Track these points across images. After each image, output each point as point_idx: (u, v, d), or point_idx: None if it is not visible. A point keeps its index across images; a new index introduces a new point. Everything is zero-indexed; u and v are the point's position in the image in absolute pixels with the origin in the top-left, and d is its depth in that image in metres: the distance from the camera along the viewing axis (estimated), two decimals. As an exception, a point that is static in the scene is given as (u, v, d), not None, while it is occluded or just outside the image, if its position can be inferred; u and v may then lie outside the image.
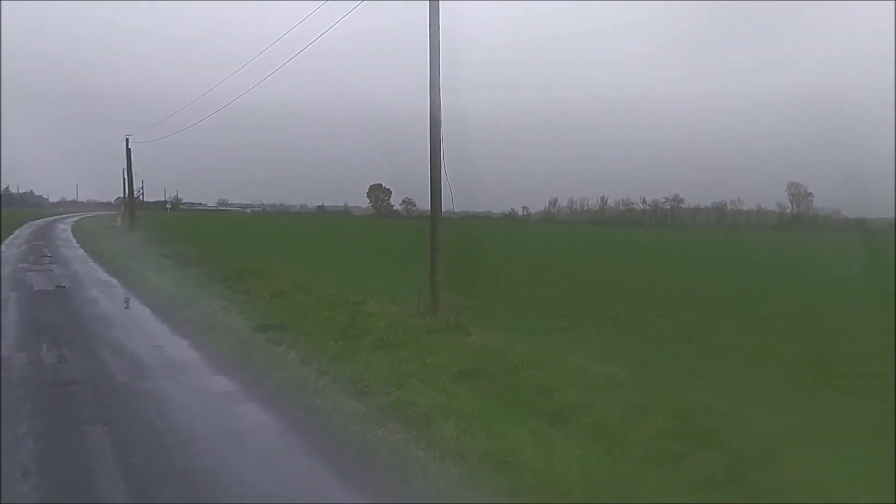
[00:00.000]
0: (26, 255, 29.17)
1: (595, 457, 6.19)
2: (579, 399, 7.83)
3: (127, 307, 15.75)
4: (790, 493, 5.35)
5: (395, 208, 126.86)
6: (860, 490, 5.45)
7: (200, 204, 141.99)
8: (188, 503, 5.37)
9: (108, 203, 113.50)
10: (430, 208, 13.63)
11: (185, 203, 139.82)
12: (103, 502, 5.29)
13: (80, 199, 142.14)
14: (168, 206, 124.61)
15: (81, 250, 32.58)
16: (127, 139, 52.51)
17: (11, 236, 42.34)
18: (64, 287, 18.36)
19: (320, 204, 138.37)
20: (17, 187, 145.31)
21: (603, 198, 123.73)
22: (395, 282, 18.57)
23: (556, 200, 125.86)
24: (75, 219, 78.92)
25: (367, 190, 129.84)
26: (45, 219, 78.80)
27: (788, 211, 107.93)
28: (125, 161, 53.53)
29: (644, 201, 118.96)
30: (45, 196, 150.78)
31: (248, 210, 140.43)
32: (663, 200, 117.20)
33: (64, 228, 55.89)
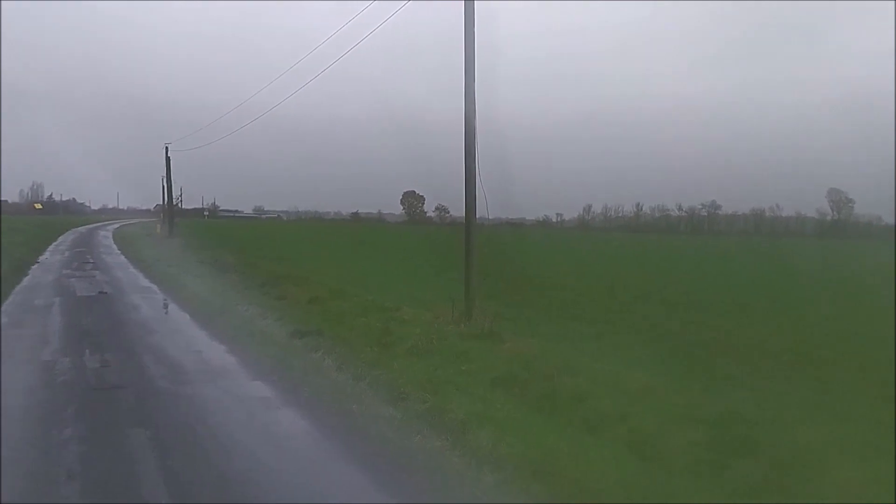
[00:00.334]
0: (70, 261, 29.89)
1: (632, 466, 6.14)
2: (615, 407, 7.77)
3: (166, 312, 16.05)
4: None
5: (428, 215, 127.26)
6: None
7: (237, 211, 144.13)
8: (228, 507, 5.44)
9: (148, 210, 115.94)
10: (463, 215, 13.66)
11: (222, 210, 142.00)
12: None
13: (120, 207, 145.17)
14: (206, 213, 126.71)
15: (122, 257, 33.25)
16: (167, 148, 53.67)
17: (55, 243, 43.43)
18: (106, 293, 18.76)
19: (354, 211, 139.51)
20: (61, 195, 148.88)
21: (638, 204, 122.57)
22: (429, 288, 18.62)
23: (590, 207, 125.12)
24: (116, 226, 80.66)
25: (401, 197, 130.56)
26: (87, 226, 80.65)
27: (829, 218, 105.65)
28: (165, 169, 54.71)
29: (680, 208, 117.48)
30: (87, 203, 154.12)
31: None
32: (700, 207, 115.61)
33: (105, 235, 57.13)
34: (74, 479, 5.86)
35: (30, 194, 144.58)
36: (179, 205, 64.64)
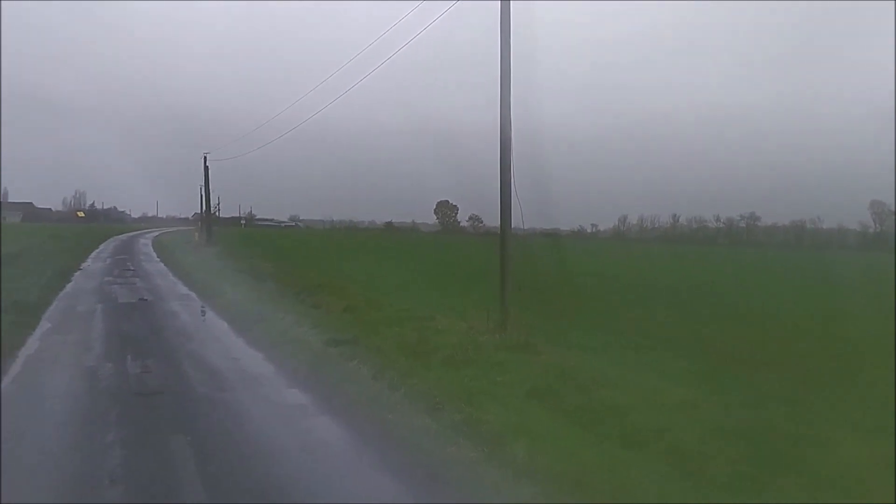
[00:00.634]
0: (111, 268, 30.54)
1: (672, 482, 6.05)
2: (653, 421, 7.67)
3: (204, 317, 16.29)
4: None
5: (461, 224, 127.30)
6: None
7: (273, 220, 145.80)
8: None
9: (186, 219, 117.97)
10: (497, 225, 13.65)
11: (258, 219, 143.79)
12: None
13: (160, 215, 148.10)
14: (242, 221, 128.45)
15: (162, 264, 33.85)
16: (205, 158, 54.53)
17: (97, 250, 44.43)
18: (146, 300, 19.12)
19: (388, 220, 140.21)
20: (102, 203, 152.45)
21: (674, 215, 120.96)
22: (463, 298, 18.60)
23: (625, 218, 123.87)
24: (156, 234, 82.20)
25: (435, 206, 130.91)
26: (128, 234, 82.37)
27: (871, 230, 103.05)
28: (203, 178, 55.60)
29: (718, 219, 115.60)
30: (127, 212, 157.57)
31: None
32: (738, 218, 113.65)
33: (145, 243, 58.22)
34: (117, 484, 5.97)
35: (73, 202, 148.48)
36: (217, 213, 65.54)
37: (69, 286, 22.27)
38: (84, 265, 31.72)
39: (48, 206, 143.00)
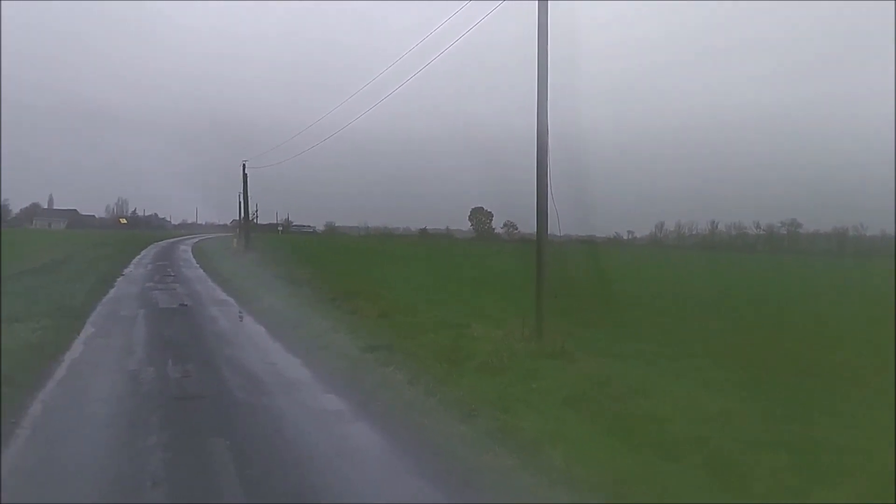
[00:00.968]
0: (152, 274, 31.15)
1: (712, 493, 5.97)
2: (692, 431, 7.59)
3: (241, 322, 16.53)
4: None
5: (496, 231, 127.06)
6: None
7: (309, 226, 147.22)
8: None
9: (225, 225, 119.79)
10: (532, 231, 13.61)
11: (294, 226, 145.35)
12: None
13: (199, 222, 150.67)
14: (279, 228, 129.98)
15: (201, 270, 34.42)
16: (244, 165, 55.32)
17: (138, 256, 45.37)
18: (186, 305, 19.46)
19: (423, 227, 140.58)
20: (143, 210, 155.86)
21: (713, 222, 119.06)
22: (498, 305, 18.58)
23: (662, 224, 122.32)
24: (195, 240, 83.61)
25: (469, 213, 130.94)
26: (168, 240, 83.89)
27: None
28: (241, 186, 56.44)
29: (758, 225, 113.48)
30: (167, 219, 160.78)
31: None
32: (779, 225, 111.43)
33: (185, 249, 59.24)
34: (159, 486, 6.09)
35: (115, 209, 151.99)
36: (255, 220, 66.58)
37: (112, 291, 22.78)
38: (126, 271, 32.42)
39: (92, 214, 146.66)
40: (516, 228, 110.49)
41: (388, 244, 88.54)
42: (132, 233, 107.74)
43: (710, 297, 24.87)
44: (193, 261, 42.81)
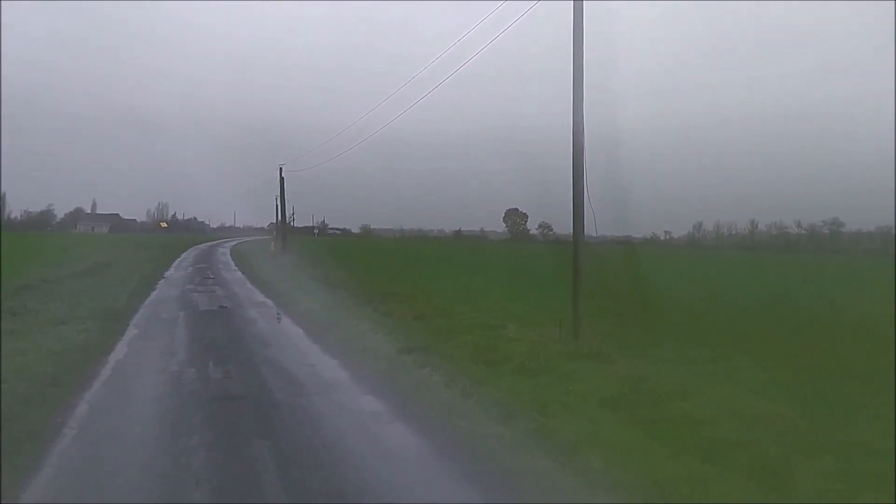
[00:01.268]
0: (192, 276, 31.73)
1: (755, 497, 5.87)
2: (734, 434, 7.47)
3: (280, 324, 16.74)
4: None
5: (531, 232, 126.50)
6: None
7: (345, 229, 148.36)
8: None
9: (262, 228, 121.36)
10: (567, 232, 13.55)
11: (330, 228, 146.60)
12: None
13: (237, 225, 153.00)
14: (315, 231, 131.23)
15: (239, 273, 34.93)
16: (280, 169, 56.09)
17: (179, 259, 46.25)
18: (225, 307, 19.76)
19: (457, 228, 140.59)
20: (183, 214, 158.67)
21: (753, 221, 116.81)
22: (533, 307, 18.49)
23: (700, 224, 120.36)
24: (233, 243, 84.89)
25: (504, 214, 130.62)
26: (207, 243, 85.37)
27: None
28: (279, 189, 57.18)
29: (799, 225, 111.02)
30: (206, 222, 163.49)
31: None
32: (820, 224, 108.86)
33: (223, 252, 60.18)
34: (202, 485, 6.20)
35: (156, 213, 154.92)
36: (292, 223, 67.34)
37: (154, 294, 23.24)
38: (167, 273, 33.06)
39: (133, 218, 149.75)
40: (551, 229, 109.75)
41: (423, 246, 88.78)
42: (172, 236, 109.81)
43: (751, 297, 24.44)
44: (232, 263, 43.47)
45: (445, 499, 6.07)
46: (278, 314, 18.46)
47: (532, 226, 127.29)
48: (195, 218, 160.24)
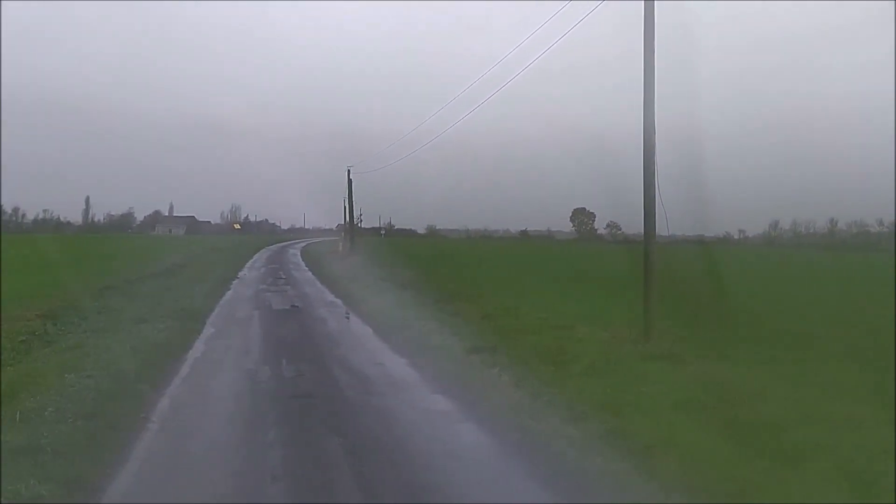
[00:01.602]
0: (265, 277, 32.56)
1: (839, 502, 5.63)
2: (816, 438, 7.20)
3: (349, 323, 17.00)
4: None
5: (598, 232, 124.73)
6: None
7: (411, 230, 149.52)
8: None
9: (331, 229, 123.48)
10: (637, 232, 13.33)
11: (396, 229, 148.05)
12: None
13: (307, 226, 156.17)
14: (382, 231, 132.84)
15: (310, 273, 35.64)
16: (348, 171, 56.97)
17: (251, 260, 47.53)
18: (297, 307, 20.19)
19: (523, 228, 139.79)
20: (255, 216, 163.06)
21: (832, 219, 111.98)
22: (602, 307, 18.24)
23: (776, 223, 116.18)
24: (303, 244, 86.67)
25: (570, 214, 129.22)
26: (278, 244, 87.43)
27: None
28: (347, 191, 58.11)
29: (881, 223, 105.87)
30: (277, 224, 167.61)
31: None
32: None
33: (294, 253, 61.50)
34: (278, 481, 6.35)
35: (229, 215, 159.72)
36: (359, 224, 68.28)
37: (228, 294, 23.93)
38: (241, 274, 34.01)
39: (208, 220, 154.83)
40: (620, 229, 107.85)
41: (489, 246, 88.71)
42: (245, 237, 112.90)
43: (831, 298, 23.49)
44: (302, 264, 44.39)
45: (517, 498, 6.04)
46: (347, 313, 18.75)
47: (600, 225, 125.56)
48: (267, 219, 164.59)
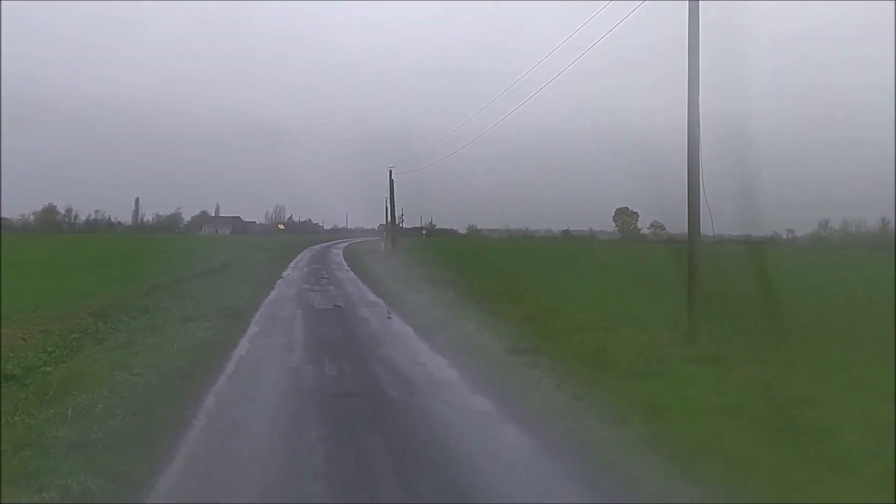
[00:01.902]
0: (308, 276, 32.98)
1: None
2: (866, 444, 7.01)
3: (390, 323, 17.11)
4: None
5: (642, 232, 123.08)
6: None
7: (452, 230, 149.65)
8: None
9: (372, 229, 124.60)
10: (681, 232, 13.13)
11: (438, 228, 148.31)
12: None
13: (349, 226, 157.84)
14: (423, 231, 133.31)
15: (352, 273, 35.96)
16: (390, 171, 57.40)
17: (295, 260, 48.22)
18: (339, 306, 20.40)
19: (565, 228, 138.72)
20: (298, 216, 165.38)
21: (883, 219, 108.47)
22: (645, 308, 17.98)
23: (826, 222, 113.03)
24: (346, 244, 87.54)
25: (613, 213, 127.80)
26: (321, 244, 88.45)
27: None
28: (388, 191, 58.51)
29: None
30: (320, 224, 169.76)
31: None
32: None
33: (337, 253, 62.13)
34: (320, 478, 6.43)
35: (273, 216, 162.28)
36: (401, 224, 68.66)
37: (273, 293, 24.30)
38: (285, 273, 34.51)
39: (253, 220, 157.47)
40: (664, 229, 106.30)
41: (530, 246, 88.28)
42: (289, 237, 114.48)
43: (883, 301, 22.77)
44: (345, 264, 44.81)
45: (559, 501, 6.01)
46: (389, 313, 18.86)
47: (643, 225, 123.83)
48: (310, 220, 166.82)
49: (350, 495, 6.05)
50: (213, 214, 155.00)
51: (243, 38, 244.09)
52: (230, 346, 13.19)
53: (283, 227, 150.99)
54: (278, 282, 29.20)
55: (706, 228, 13.12)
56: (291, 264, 42.81)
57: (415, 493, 6.07)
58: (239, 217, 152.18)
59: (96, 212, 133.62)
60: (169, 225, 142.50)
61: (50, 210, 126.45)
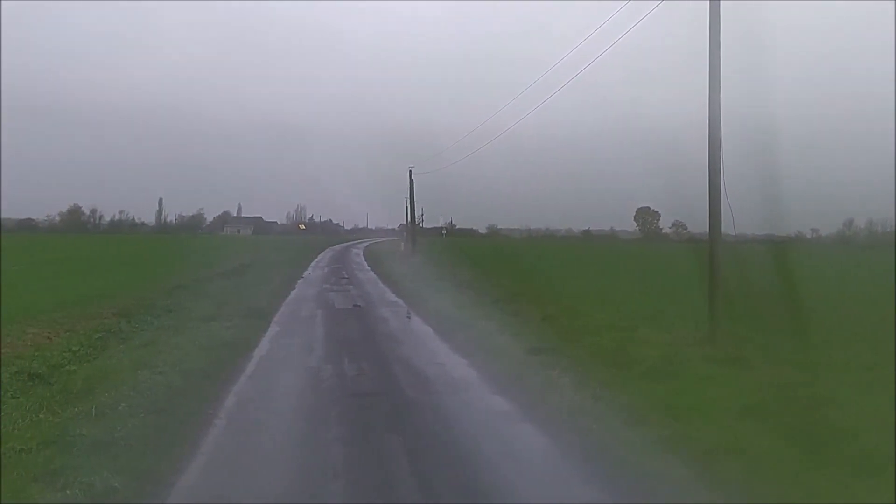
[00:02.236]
0: (328, 276, 33.17)
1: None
2: (888, 446, 6.89)
3: (410, 323, 17.16)
4: None
5: (663, 231, 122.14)
6: None
7: (472, 230, 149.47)
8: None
9: (393, 229, 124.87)
10: (703, 231, 13.03)
11: (457, 228, 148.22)
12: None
13: (369, 226, 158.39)
14: (443, 231, 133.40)
15: (372, 273, 36.11)
16: (410, 171, 57.52)
17: (316, 260, 48.52)
18: (359, 306, 20.49)
19: (586, 228, 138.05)
20: (319, 217, 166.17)
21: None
22: (665, 308, 17.89)
23: (851, 221, 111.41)
24: (366, 244, 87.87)
25: (634, 213, 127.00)
26: (342, 244, 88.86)
27: None
28: (408, 191, 58.64)
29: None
30: (341, 224, 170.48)
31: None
32: None
33: (357, 253, 62.43)
34: (339, 477, 6.47)
35: (294, 216, 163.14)
36: (421, 224, 68.79)
37: (293, 293, 24.49)
38: (305, 273, 34.73)
39: (274, 220, 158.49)
40: (685, 228, 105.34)
41: (551, 246, 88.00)
42: (310, 238, 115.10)
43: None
44: (365, 264, 45.00)
45: (577, 502, 6.00)
46: (408, 313, 18.92)
47: (664, 224, 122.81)
48: (331, 220, 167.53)
49: (368, 495, 6.09)
50: (235, 215, 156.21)
51: (264, 39, 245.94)
52: (251, 346, 13.31)
53: (303, 227, 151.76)
54: (299, 282, 29.39)
55: (728, 228, 13.04)
56: (312, 264, 43.07)
57: (433, 493, 6.10)
58: (261, 217, 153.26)
59: (120, 212, 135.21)
60: (191, 225, 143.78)
61: (75, 211, 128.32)
